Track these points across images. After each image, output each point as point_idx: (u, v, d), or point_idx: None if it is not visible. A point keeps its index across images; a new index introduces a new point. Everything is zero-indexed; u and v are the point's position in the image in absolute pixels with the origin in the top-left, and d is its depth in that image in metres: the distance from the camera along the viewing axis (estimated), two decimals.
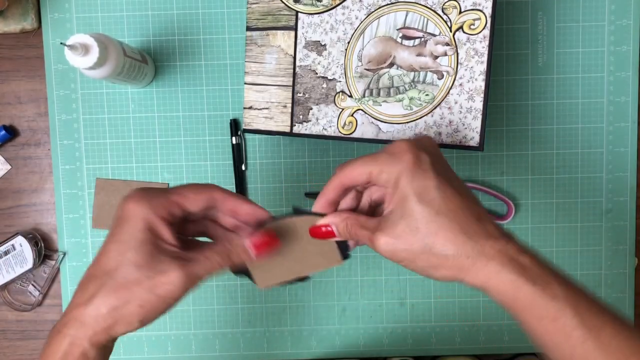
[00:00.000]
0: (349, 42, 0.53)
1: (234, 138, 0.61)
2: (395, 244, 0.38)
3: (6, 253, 0.61)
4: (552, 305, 0.35)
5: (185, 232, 0.42)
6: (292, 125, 0.56)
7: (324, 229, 0.41)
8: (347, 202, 0.42)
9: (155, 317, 0.37)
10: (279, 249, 0.41)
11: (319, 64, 0.55)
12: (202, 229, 0.43)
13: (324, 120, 0.55)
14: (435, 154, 0.39)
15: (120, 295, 0.36)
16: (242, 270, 0.42)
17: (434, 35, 0.50)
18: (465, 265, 0.37)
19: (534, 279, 0.36)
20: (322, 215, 0.41)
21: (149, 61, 0.59)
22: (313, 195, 0.41)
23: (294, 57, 0.55)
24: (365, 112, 0.53)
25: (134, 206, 0.37)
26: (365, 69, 0.53)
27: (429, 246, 0.37)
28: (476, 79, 0.49)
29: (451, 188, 0.37)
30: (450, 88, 0.50)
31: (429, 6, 0.50)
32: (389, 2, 0.51)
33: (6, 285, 0.62)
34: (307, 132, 0.56)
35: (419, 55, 0.51)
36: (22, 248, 0.61)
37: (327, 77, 0.54)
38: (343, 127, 0.54)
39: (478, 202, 0.39)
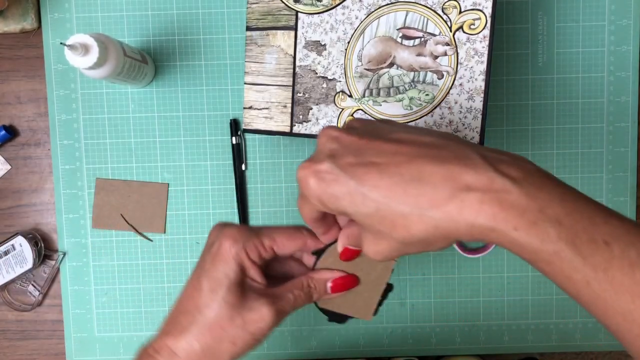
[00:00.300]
0: (349, 42, 0.53)
1: (234, 138, 0.61)
2: (378, 251, 0.34)
3: (6, 253, 0.61)
4: (543, 249, 0.29)
5: (270, 270, 0.43)
6: (292, 125, 0.56)
7: (347, 251, 0.40)
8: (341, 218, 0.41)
9: (243, 353, 0.39)
10: (353, 287, 0.42)
11: (319, 64, 0.55)
12: (288, 269, 0.44)
13: (324, 120, 0.55)
14: (339, 138, 0.33)
15: (215, 335, 0.38)
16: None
17: (434, 35, 0.50)
18: (436, 213, 0.30)
19: (517, 217, 0.29)
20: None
21: (149, 61, 0.59)
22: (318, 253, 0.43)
23: (294, 57, 0.55)
24: (365, 112, 0.53)
25: (230, 246, 0.38)
26: (365, 69, 0.53)
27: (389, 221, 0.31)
28: (476, 79, 0.49)
29: (369, 174, 0.31)
30: (450, 88, 0.50)
31: (429, 6, 0.50)
32: (389, 2, 0.51)
33: (6, 285, 0.62)
34: (307, 132, 0.56)
35: (419, 55, 0.51)
36: (22, 248, 0.61)
37: (327, 77, 0.54)
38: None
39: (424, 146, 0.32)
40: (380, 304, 0.43)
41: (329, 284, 0.41)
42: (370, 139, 0.33)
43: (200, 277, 0.39)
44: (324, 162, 0.32)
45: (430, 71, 0.51)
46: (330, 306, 0.44)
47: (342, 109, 0.54)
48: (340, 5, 0.53)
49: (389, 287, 0.43)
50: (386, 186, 0.31)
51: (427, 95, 0.51)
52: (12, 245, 0.61)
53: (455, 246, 0.61)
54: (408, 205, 0.30)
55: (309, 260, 0.43)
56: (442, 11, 0.50)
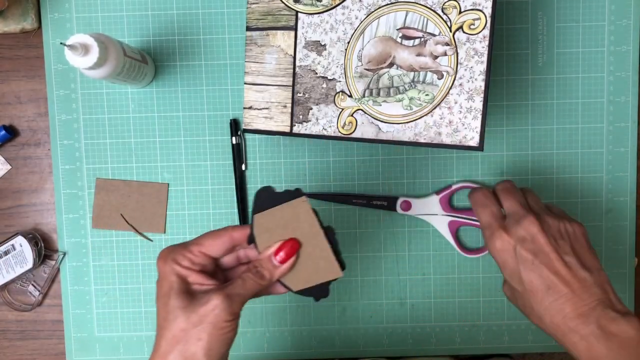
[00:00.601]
0: (348, 42, 0.53)
1: (234, 138, 0.61)
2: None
3: (6, 253, 0.61)
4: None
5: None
6: (292, 125, 0.56)
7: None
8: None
9: (220, 346, 0.41)
10: (297, 249, 0.44)
11: (318, 64, 0.55)
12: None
13: (323, 120, 0.55)
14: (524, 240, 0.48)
15: (180, 339, 0.40)
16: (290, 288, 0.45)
17: (434, 35, 0.50)
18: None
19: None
20: (299, 193, 0.43)
21: (149, 61, 0.59)
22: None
23: (294, 57, 0.55)
24: (365, 112, 0.53)
25: (162, 264, 0.42)
26: (365, 69, 0.53)
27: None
28: (476, 79, 0.49)
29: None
30: (450, 88, 0.50)
31: (429, 6, 0.50)
32: (389, 2, 0.51)
33: (6, 285, 0.62)
34: (307, 132, 0.56)
35: (418, 55, 0.51)
36: (22, 248, 0.61)
37: (327, 77, 0.54)
38: (343, 127, 0.54)
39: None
40: (337, 253, 0.44)
41: (274, 258, 0.44)
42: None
43: (156, 301, 0.43)
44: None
45: (430, 71, 0.51)
46: (301, 284, 0.45)
47: (342, 109, 0.54)
48: (340, 6, 0.53)
49: (328, 231, 0.44)
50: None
51: (427, 95, 0.51)
52: (12, 245, 0.61)
53: (455, 246, 0.61)
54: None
55: (254, 254, 0.46)
56: (442, 11, 0.50)
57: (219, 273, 0.46)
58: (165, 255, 0.43)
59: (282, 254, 0.43)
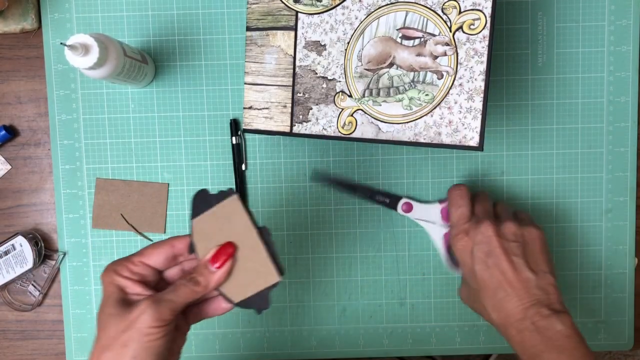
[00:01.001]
0: (348, 42, 0.53)
1: (234, 138, 0.61)
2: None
3: (6, 253, 0.61)
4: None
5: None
6: (292, 125, 0.56)
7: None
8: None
9: (147, 357, 0.40)
10: (233, 253, 0.42)
11: (318, 64, 0.55)
12: None
13: (323, 120, 0.55)
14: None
15: (109, 346, 0.40)
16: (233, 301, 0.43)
17: (434, 35, 0.50)
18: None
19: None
20: (231, 192, 0.42)
21: (149, 61, 0.59)
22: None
23: (294, 57, 0.55)
24: (365, 112, 0.53)
25: (103, 276, 0.43)
26: (365, 69, 0.53)
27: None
28: (476, 79, 0.49)
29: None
30: (450, 88, 0.50)
31: (429, 6, 0.50)
32: (389, 2, 0.51)
33: (6, 285, 0.63)
34: (307, 132, 0.56)
35: (418, 55, 0.51)
36: (22, 248, 0.61)
37: (327, 77, 0.54)
38: (343, 127, 0.54)
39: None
40: (274, 256, 0.42)
41: (210, 264, 0.42)
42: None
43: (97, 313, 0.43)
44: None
45: (430, 71, 0.51)
46: (241, 292, 0.43)
47: (342, 109, 0.54)
48: (340, 6, 0.53)
49: (263, 232, 0.42)
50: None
51: (426, 95, 0.51)
52: (12, 245, 0.61)
53: (444, 259, 0.60)
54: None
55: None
56: (442, 11, 0.50)
57: (166, 287, 0.44)
58: (108, 267, 0.43)
59: (216, 257, 0.42)
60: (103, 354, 0.40)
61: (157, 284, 0.44)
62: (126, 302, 0.41)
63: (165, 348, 0.41)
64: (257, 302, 0.43)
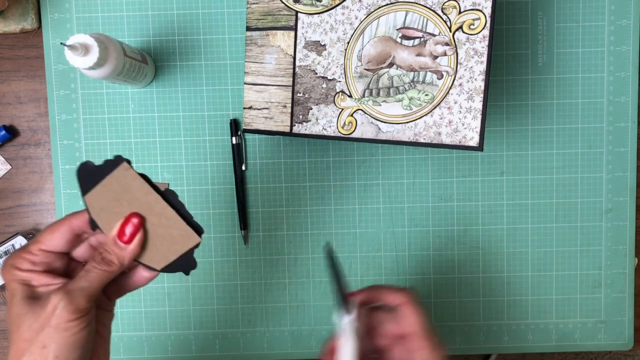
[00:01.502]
0: (348, 42, 0.53)
1: (234, 138, 0.61)
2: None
3: (6, 253, 0.61)
4: None
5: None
6: (292, 125, 0.56)
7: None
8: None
9: (71, 353, 0.36)
10: (140, 223, 0.39)
11: (318, 64, 0.55)
12: None
13: (323, 120, 0.55)
14: None
15: (25, 349, 0.36)
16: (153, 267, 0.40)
17: (434, 35, 0.50)
18: None
19: None
20: (120, 159, 0.39)
21: (149, 61, 0.59)
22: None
23: (294, 57, 0.55)
24: (365, 112, 0.53)
25: (3, 274, 0.38)
26: (365, 69, 0.53)
27: None
28: (476, 79, 0.49)
29: None
30: (450, 88, 0.50)
31: (429, 6, 0.50)
32: (389, 2, 0.51)
33: None
34: (307, 132, 0.56)
35: (418, 55, 0.51)
36: None
37: (326, 77, 0.54)
38: (343, 127, 0.54)
39: None
40: (186, 217, 0.39)
41: (118, 240, 0.39)
42: None
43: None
44: None
45: (430, 71, 0.51)
46: (162, 260, 0.40)
47: (342, 109, 0.54)
48: (340, 6, 0.53)
49: (169, 195, 0.39)
50: None
51: (426, 95, 0.51)
52: (12, 245, 0.61)
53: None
54: None
55: (104, 239, 0.41)
56: (442, 11, 0.50)
57: (79, 269, 0.40)
58: (6, 262, 0.38)
59: (123, 231, 0.39)
60: (19, 358, 0.36)
61: (67, 267, 0.40)
62: (35, 297, 0.37)
63: (90, 337, 0.37)
64: (182, 265, 0.40)
